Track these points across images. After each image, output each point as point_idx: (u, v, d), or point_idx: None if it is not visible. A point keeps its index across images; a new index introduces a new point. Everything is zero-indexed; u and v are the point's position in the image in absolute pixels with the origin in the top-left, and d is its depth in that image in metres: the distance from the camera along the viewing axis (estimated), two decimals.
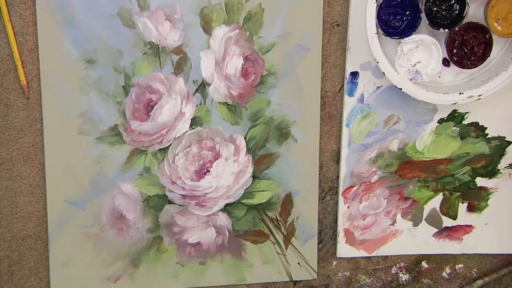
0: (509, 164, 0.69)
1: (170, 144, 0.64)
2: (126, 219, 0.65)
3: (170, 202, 0.66)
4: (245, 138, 0.66)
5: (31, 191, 0.64)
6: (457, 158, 0.68)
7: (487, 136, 0.68)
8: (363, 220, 0.70)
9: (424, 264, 0.73)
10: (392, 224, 0.70)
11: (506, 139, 0.68)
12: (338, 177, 0.69)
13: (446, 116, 0.67)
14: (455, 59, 0.63)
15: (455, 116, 0.67)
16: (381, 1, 0.60)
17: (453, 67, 0.64)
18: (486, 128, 0.68)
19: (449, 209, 0.70)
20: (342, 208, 0.69)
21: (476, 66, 0.63)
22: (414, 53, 0.61)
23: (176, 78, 0.63)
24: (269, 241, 0.68)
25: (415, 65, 0.62)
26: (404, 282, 0.73)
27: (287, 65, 0.64)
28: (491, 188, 0.70)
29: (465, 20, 0.61)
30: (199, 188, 0.65)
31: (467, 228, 0.71)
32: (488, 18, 0.61)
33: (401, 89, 0.62)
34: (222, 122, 0.65)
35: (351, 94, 0.66)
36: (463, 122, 0.68)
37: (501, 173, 0.70)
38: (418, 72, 0.62)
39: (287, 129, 0.66)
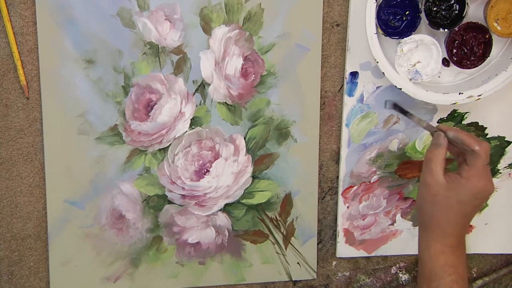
0: (509, 164, 0.69)
1: (170, 144, 0.64)
2: (126, 219, 0.65)
3: (170, 202, 0.66)
4: (244, 138, 0.66)
5: (31, 191, 0.64)
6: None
7: (487, 136, 0.68)
8: (363, 220, 0.69)
9: None
10: (392, 224, 0.70)
11: (506, 139, 0.68)
12: (337, 177, 0.69)
13: (446, 116, 0.67)
14: (455, 59, 0.62)
15: (454, 116, 0.67)
16: (381, 1, 0.60)
17: (452, 67, 0.64)
18: (486, 128, 0.68)
19: None
20: (342, 208, 0.69)
21: (476, 66, 0.63)
22: (414, 53, 0.61)
23: (175, 78, 0.63)
24: (269, 241, 0.68)
25: (414, 65, 0.62)
26: (404, 282, 0.73)
27: (287, 65, 0.64)
28: None
29: (464, 20, 0.61)
30: (199, 188, 0.66)
31: None
32: (488, 18, 0.61)
33: (401, 89, 0.62)
34: (222, 122, 0.65)
35: (350, 94, 0.66)
36: (463, 122, 0.68)
37: (501, 173, 0.70)
38: (417, 72, 0.62)
39: (286, 129, 0.66)
